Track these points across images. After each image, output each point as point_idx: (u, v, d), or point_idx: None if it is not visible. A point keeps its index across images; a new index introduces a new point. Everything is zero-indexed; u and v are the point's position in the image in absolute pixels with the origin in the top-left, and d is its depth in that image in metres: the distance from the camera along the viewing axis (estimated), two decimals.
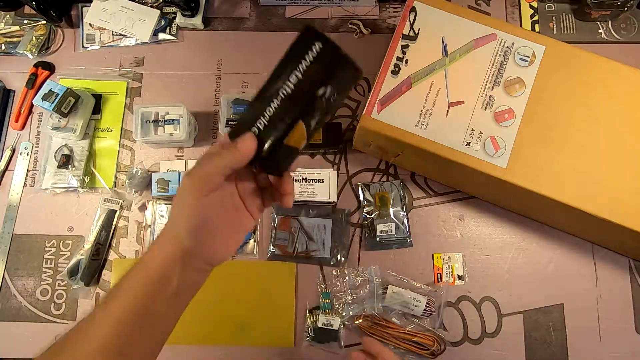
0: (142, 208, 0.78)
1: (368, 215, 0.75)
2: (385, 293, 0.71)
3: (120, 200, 0.77)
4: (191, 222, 0.38)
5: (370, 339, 0.56)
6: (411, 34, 0.66)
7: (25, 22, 0.84)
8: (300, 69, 0.36)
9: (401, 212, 0.75)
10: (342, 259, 0.74)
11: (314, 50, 0.36)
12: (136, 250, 0.76)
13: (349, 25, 0.84)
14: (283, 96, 0.36)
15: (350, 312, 0.72)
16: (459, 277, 0.74)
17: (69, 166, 0.77)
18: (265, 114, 0.37)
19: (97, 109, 0.81)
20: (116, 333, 0.37)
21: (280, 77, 0.37)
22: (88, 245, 0.75)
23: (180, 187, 0.39)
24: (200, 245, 0.39)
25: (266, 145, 0.37)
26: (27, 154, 0.80)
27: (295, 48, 0.36)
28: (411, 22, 0.66)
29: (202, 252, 0.40)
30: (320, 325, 0.71)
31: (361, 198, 0.77)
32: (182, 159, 0.79)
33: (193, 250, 0.39)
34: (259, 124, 0.37)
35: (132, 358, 0.39)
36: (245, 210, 0.42)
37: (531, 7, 0.84)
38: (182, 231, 0.38)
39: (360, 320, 0.71)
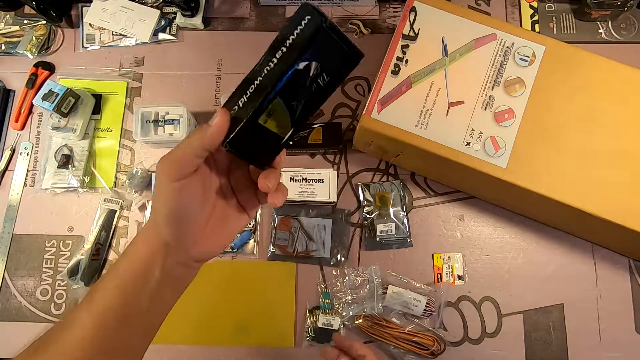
0: (142, 208, 0.77)
1: (368, 215, 0.75)
2: (385, 293, 0.71)
3: (120, 200, 0.77)
4: (165, 210, 0.35)
5: (340, 336, 0.57)
6: (411, 34, 0.66)
7: (25, 22, 0.84)
8: (287, 44, 0.32)
9: (401, 212, 0.75)
10: (342, 259, 0.74)
11: (302, 24, 0.32)
12: None
13: (349, 25, 0.84)
14: (265, 72, 0.33)
15: (350, 312, 0.72)
16: (459, 277, 0.74)
17: (69, 166, 0.77)
18: (247, 92, 0.34)
19: (97, 109, 0.81)
20: (97, 328, 0.35)
21: (268, 55, 0.33)
22: (88, 245, 0.75)
23: (156, 172, 0.36)
24: (180, 236, 0.36)
25: (245, 122, 0.33)
26: (27, 154, 0.80)
27: (288, 26, 0.33)
28: (411, 22, 0.66)
29: (183, 244, 0.37)
30: (320, 325, 0.71)
31: (361, 198, 0.77)
32: None
33: (172, 242, 0.36)
34: (239, 103, 0.34)
35: (114, 356, 0.37)
36: (237, 204, 0.39)
37: (531, 7, 0.84)
38: (159, 221, 0.36)
39: (360, 320, 0.71)
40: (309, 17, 0.31)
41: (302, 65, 0.32)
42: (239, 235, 0.75)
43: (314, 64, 0.33)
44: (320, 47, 0.32)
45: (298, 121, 0.36)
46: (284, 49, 0.32)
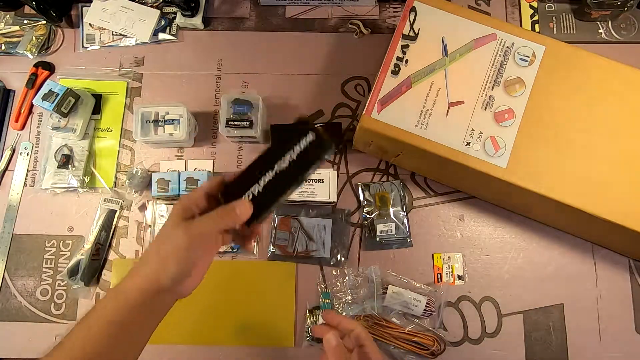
0: (142, 208, 0.77)
1: (368, 215, 0.75)
2: (385, 293, 0.71)
3: (120, 200, 0.77)
4: (179, 270, 0.43)
5: (328, 312, 0.57)
6: (411, 34, 0.66)
7: (25, 22, 0.84)
8: (296, 150, 0.44)
9: (401, 212, 0.75)
10: (342, 259, 0.74)
11: (309, 138, 0.44)
12: (136, 250, 0.76)
13: (349, 25, 0.84)
14: (278, 172, 0.44)
15: (350, 312, 0.72)
16: (459, 277, 0.74)
17: (69, 166, 0.77)
18: (260, 183, 0.44)
19: (97, 109, 0.81)
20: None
21: (277, 151, 0.44)
22: (88, 245, 0.75)
23: (179, 238, 0.42)
24: (178, 285, 0.44)
25: (260, 213, 0.44)
26: (27, 154, 0.80)
27: (292, 134, 0.44)
28: (411, 22, 0.66)
29: (177, 290, 0.44)
30: (320, 325, 0.71)
31: (361, 198, 0.77)
32: (182, 159, 0.79)
33: (170, 288, 0.43)
34: (253, 190, 0.44)
35: None
36: (212, 253, 0.47)
37: (531, 7, 0.84)
38: (168, 274, 0.42)
39: (360, 320, 0.71)
40: (312, 134, 0.44)
41: (310, 172, 0.44)
42: None
43: (313, 167, 0.44)
44: (321, 156, 0.44)
45: (287, 195, 0.46)
46: (295, 157, 0.44)
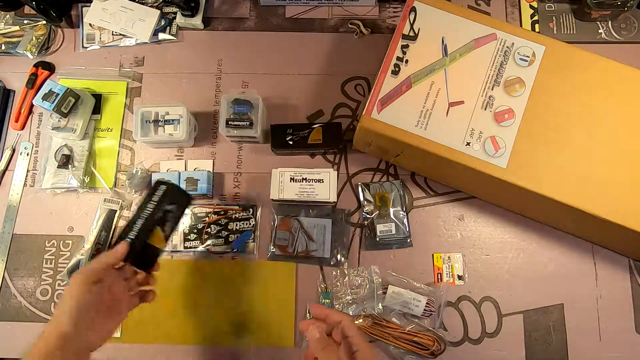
0: None
1: (368, 215, 0.75)
2: (385, 293, 0.71)
3: (120, 200, 0.77)
4: (74, 307, 0.49)
5: (315, 305, 0.58)
6: (411, 34, 0.66)
7: (25, 22, 0.84)
8: (154, 200, 0.61)
9: (401, 212, 0.75)
10: (342, 259, 0.74)
11: (161, 189, 0.62)
12: None
13: (349, 25, 0.84)
14: (145, 216, 0.59)
15: (350, 312, 0.72)
16: (459, 277, 0.74)
17: (69, 166, 0.77)
18: (134, 229, 0.59)
19: (97, 109, 0.81)
20: None
21: (142, 207, 0.60)
22: (88, 245, 0.75)
23: (70, 280, 0.52)
24: (79, 329, 0.49)
25: (137, 245, 0.58)
26: (27, 154, 0.80)
27: (151, 190, 0.62)
28: (411, 22, 0.66)
29: (80, 336, 0.50)
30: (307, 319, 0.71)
31: (361, 198, 0.77)
32: (182, 159, 0.79)
33: (72, 334, 0.49)
34: (130, 235, 0.58)
35: None
36: (118, 306, 0.56)
37: (531, 7, 0.84)
38: (66, 315, 0.49)
39: (360, 320, 0.71)
40: (163, 186, 0.62)
41: (169, 208, 0.61)
42: (239, 235, 0.75)
43: (173, 206, 0.62)
44: (175, 198, 0.62)
45: (169, 237, 0.62)
46: (155, 203, 0.60)
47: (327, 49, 0.83)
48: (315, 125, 0.76)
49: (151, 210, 0.60)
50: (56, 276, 0.75)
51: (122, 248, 0.56)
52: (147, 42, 0.83)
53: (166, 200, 0.61)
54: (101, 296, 0.53)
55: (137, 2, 0.84)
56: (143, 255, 0.59)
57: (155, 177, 0.75)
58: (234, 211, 0.77)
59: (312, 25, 0.84)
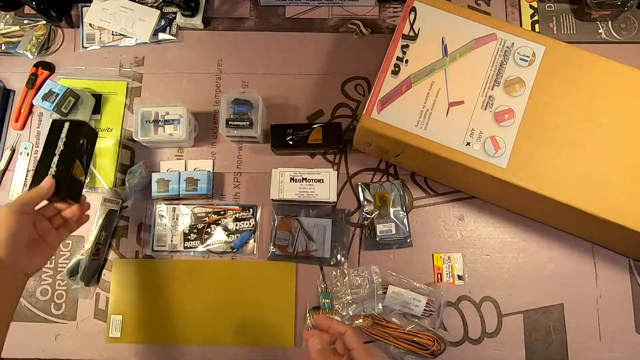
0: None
1: (368, 215, 0.75)
2: (385, 293, 0.71)
3: (120, 200, 0.77)
4: (6, 234, 0.53)
5: (320, 316, 0.58)
6: (411, 34, 0.66)
7: (25, 22, 0.84)
8: (63, 137, 0.63)
9: (401, 212, 0.75)
10: (342, 259, 0.74)
11: (65, 126, 0.63)
12: (136, 251, 0.76)
13: (349, 25, 0.84)
14: (59, 153, 0.62)
15: (350, 312, 0.72)
16: (459, 277, 0.74)
17: None
18: (52, 164, 0.61)
19: (97, 109, 0.81)
20: None
21: (51, 146, 0.62)
22: (88, 245, 0.75)
23: (2, 213, 0.54)
24: (14, 253, 0.54)
25: (63, 183, 0.61)
26: (27, 154, 0.80)
27: (54, 130, 0.63)
28: (411, 22, 0.66)
29: (16, 259, 0.54)
30: (310, 330, 0.71)
31: (361, 198, 0.77)
32: (182, 159, 0.79)
33: (7, 258, 0.53)
34: (51, 171, 0.61)
35: None
36: (45, 240, 0.59)
37: (531, 7, 0.84)
38: (1, 245, 0.53)
39: (360, 320, 0.71)
40: (67, 123, 0.64)
41: (81, 142, 0.64)
42: (239, 235, 0.75)
43: (84, 140, 0.64)
44: (84, 132, 0.65)
45: (87, 170, 0.66)
46: (65, 139, 0.63)
47: (327, 49, 0.83)
48: (315, 125, 0.76)
49: (64, 146, 0.62)
50: (56, 276, 0.75)
51: (47, 183, 0.58)
52: (147, 42, 0.83)
53: (75, 135, 0.64)
54: (28, 227, 0.57)
55: (137, 2, 0.84)
56: (70, 187, 0.62)
57: (155, 177, 0.75)
58: (234, 211, 0.77)
59: (312, 25, 0.84)
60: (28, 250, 0.56)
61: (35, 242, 0.58)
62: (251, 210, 0.77)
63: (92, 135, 0.67)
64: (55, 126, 0.64)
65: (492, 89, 0.64)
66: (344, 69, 0.82)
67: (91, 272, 0.74)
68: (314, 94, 0.81)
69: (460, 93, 0.64)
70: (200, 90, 0.82)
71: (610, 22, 0.83)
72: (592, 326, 0.73)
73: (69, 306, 0.74)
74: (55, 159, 0.61)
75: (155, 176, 0.75)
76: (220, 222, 0.76)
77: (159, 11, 0.84)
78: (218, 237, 0.76)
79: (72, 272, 0.74)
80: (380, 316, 0.71)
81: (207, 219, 0.76)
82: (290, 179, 0.73)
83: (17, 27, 0.84)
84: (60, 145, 0.62)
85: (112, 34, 0.84)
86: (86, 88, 0.81)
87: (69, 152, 0.62)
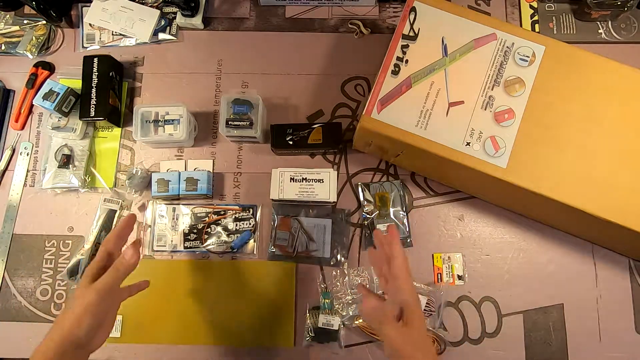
0: (142, 208, 0.78)
1: (368, 215, 0.75)
2: (385, 293, 0.71)
3: (120, 200, 0.77)
4: (93, 323, 0.52)
5: (380, 233, 0.59)
6: (411, 34, 0.66)
7: (25, 22, 0.84)
8: (95, 70, 0.75)
9: (401, 212, 0.75)
10: (342, 259, 0.74)
11: (95, 61, 0.76)
12: None
13: (349, 25, 0.84)
14: (95, 84, 0.75)
15: (350, 312, 0.72)
16: (459, 277, 0.74)
17: (70, 166, 0.77)
18: (91, 98, 0.75)
19: None
20: None
21: (88, 78, 0.75)
22: (88, 245, 0.75)
23: (90, 296, 0.52)
24: (92, 339, 0.52)
25: (102, 107, 0.75)
26: (27, 154, 0.80)
27: (85, 66, 0.76)
28: (411, 22, 0.66)
29: (91, 344, 0.53)
30: (320, 325, 0.71)
31: (361, 198, 0.77)
32: (182, 159, 0.79)
33: (85, 343, 0.52)
34: (91, 110, 0.75)
35: None
36: (117, 306, 0.57)
37: (531, 7, 0.84)
38: (83, 329, 0.51)
39: (360, 320, 0.71)
40: (95, 58, 0.77)
41: (112, 74, 0.77)
42: (239, 235, 0.75)
43: (113, 72, 0.77)
44: (108, 64, 0.77)
45: (120, 97, 0.79)
46: (97, 73, 0.76)
47: (327, 49, 0.83)
48: (315, 125, 0.76)
49: (97, 79, 0.75)
50: (56, 276, 0.75)
51: (134, 256, 0.57)
52: (147, 42, 0.83)
53: (104, 68, 0.76)
54: (113, 308, 0.56)
55: (137, 2, 0.84)
56: (110, 113, 0.75)
57: (155, 177, 0.75)
58: (234, 211, 0.77)
59: (312, 25, 0.84)
60: (103, 330, 0.54)
61: (112, 318, 0.56)
62: (251, 210, 0.77)
63: (118, 67, 0.79)
64: (87, 63, 0.76)
65: (492, 89, 0.64)
66: (343, 69, 0.82)
67: None
68: (314, 94, 0.81)
69: (460, 93, 0.64)
70: (200, 90, 0.82)
71: (610, 22, 0.83)
72: (592, 326, 0.73)
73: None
74: (93, 91, 0.73)
75: (155, 176, 0.75)
76: (220, 222, 0.76)
77: (159, 11, 0.84)
78: (218, 237, 0.76)
79: (72, 272, 0.74)
80: None
81: (207, 219, 0.76)
82: (290, 179, 0.73)
83: (17, 27, 0.84)
84: (95, 78, 0.74)
85: (112, 34, 0.84)
86: None
87: (103, 84, 0.74)
